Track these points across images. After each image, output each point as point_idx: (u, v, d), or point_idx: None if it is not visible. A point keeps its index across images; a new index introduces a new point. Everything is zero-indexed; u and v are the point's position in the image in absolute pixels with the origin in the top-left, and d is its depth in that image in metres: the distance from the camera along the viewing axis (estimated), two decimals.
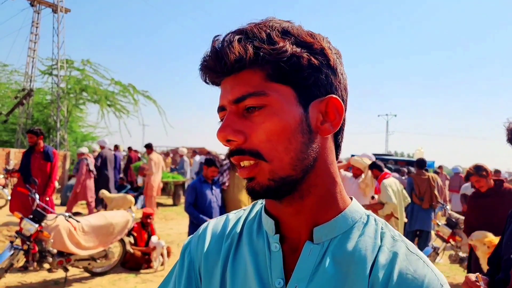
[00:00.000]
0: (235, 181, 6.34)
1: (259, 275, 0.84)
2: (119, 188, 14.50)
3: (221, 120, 0.85)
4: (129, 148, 20.13)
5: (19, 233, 5.93)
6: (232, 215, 1.00)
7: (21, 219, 6.00)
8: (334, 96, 0.82)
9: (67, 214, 6.40)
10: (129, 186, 15.06)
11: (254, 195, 0.81)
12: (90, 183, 11.20)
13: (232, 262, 0.89)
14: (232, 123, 0.79)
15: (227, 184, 6.31)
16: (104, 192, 10.92)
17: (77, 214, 8.59)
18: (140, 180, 14.94)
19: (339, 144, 0.89)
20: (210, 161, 6.09)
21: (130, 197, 11.11)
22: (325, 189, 0.84)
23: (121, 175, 16.92)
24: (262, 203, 0.97)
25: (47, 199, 7.27)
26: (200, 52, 0.83)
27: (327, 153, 0.84)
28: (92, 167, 11.36)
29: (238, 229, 0.94)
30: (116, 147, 16.83)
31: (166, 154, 22.99)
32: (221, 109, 0.84)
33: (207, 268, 0.92)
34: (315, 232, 0.83)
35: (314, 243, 0.82)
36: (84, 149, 12.09)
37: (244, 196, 6.37)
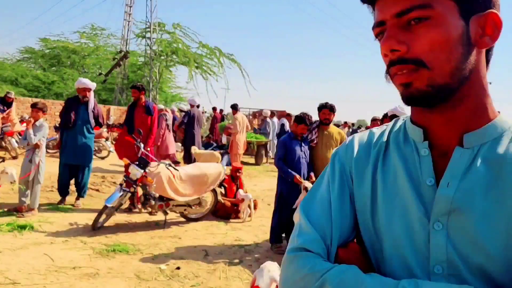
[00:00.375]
0: (323, 139, 6.44)
1: (410, 175, 0.93)
2: (206, 145, 15.28)
3: (376, 36, 0.94)
4: (214, 108, 20.91)
5: (126, 177, 6.62)
6: (376, 129, 1.11)
7: (128, 164, 6.68)
8: (493, 11, 0.87)
9: (167, 162, 7.00)
10: (215, 144, 15.77)
11: (411, 100, 0.89)
12: (170, 138, 11.96)
13: (381, 166, 0.99)
14: (396, 34, 0.85)
15: (315, 141, 6.43)
16: (195, 148, 11.64)
17: (176, 163, 9.28)
18: (224, 139, 15.59)
19: (489, 60, 0.94)
20: (300, 119, 6.22)
21: (218, 154, 11.72)
22: (477, 99, 0.90)
23: (208, 133, 17.75)
24: (404, 119, 1.07)
25: (148, 149, 7.95)
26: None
27: (481, 66, 0.90)
28: (170, 122, 12.09)
29: (384, 139, 1.04)
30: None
31: (253, 116, 23.55)
32: (378, 24, 0.90)
33: (358, 171, 1.03)
34: (466, 138, 0.89)
35: (464, 148, 0.89)
36: (162, 105, 12.86)
37: (331, 154, 6.45)
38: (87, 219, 6.98)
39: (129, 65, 25.76)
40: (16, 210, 6.94)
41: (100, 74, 26.00)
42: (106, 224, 6.70)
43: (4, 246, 5.56)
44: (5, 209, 7.01)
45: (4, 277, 4.59)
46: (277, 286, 2.98)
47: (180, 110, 17.50)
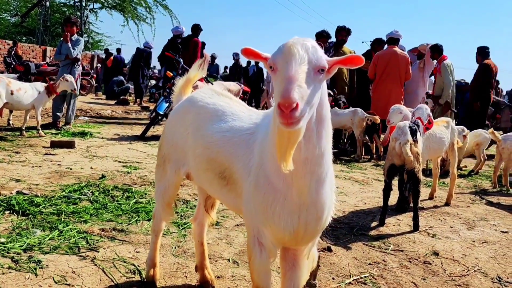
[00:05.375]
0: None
1: None
2: None
3: None
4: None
5: (170, 88, 7.24)
6: None
7: (172, 77, 7.29)
8: None
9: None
10: None
11: None
12: None
13: None
14: None
15: None
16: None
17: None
18: None
19: None
20: (320, 33, 7.36)
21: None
22: None
23: None
24: None
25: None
26: None
27: None
28: None
29: None
30: None
31: None
32: None
33: None
34: None
35: None
36: None
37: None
38: (123, 131, 7.49)
39: (51, 5, 23.87)
40: (52, 125, 7.15)
41: (16, 15, 23.78)
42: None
43: (86, 144, 6.01)
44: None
45: (120, 160, 5.20)
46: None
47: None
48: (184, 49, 8.86)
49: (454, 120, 6.04)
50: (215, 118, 1.81)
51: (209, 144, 1.75)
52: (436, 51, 7.81)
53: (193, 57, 8.61)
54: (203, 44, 14.58)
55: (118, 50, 17.52)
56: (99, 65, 19.13)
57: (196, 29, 9.17)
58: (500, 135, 5.95)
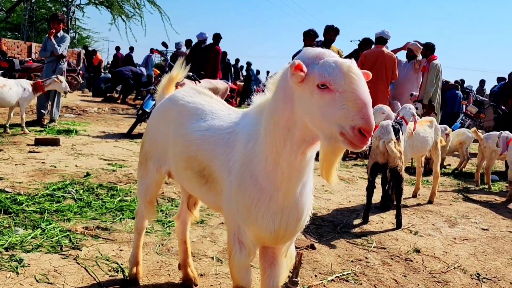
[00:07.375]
0: None
1: None
2: None
3: None
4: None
5: (156, 86, 7.20)
6: None
7: (159, 75, 7.25)
8: None
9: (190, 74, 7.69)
10: None
11: None
12: None
13: None
14: None
15: None
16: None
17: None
18: None
19: None
20: (308, 32, 7.40)
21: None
22: None
23: None
24: None
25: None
26: None
27: None
28: None
29: None
30: None
31: None
32: None
33: None
34: None
35: None
36: None
37: None
38: (109, 129, 7.44)
39: (36, 0, 23.53)
40: (36, 122, 7.07)
41: (1, 10, 23.37)
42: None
43: (71, 141, 5.96)
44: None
45: (105, 158, 5.17)
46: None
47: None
48: (206, 56, 9.36)
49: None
50: (195, 117, 1.82)
51: (189, 143, 1.76)
52: (429, 49, 7.83)
53: (214, 64, 9.31)
54: (225, 53, 14.78)
55: (131, 49, 16.77)
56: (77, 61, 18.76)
57: (218, 38, 9.72)
58: (482, 134, 6.06)
